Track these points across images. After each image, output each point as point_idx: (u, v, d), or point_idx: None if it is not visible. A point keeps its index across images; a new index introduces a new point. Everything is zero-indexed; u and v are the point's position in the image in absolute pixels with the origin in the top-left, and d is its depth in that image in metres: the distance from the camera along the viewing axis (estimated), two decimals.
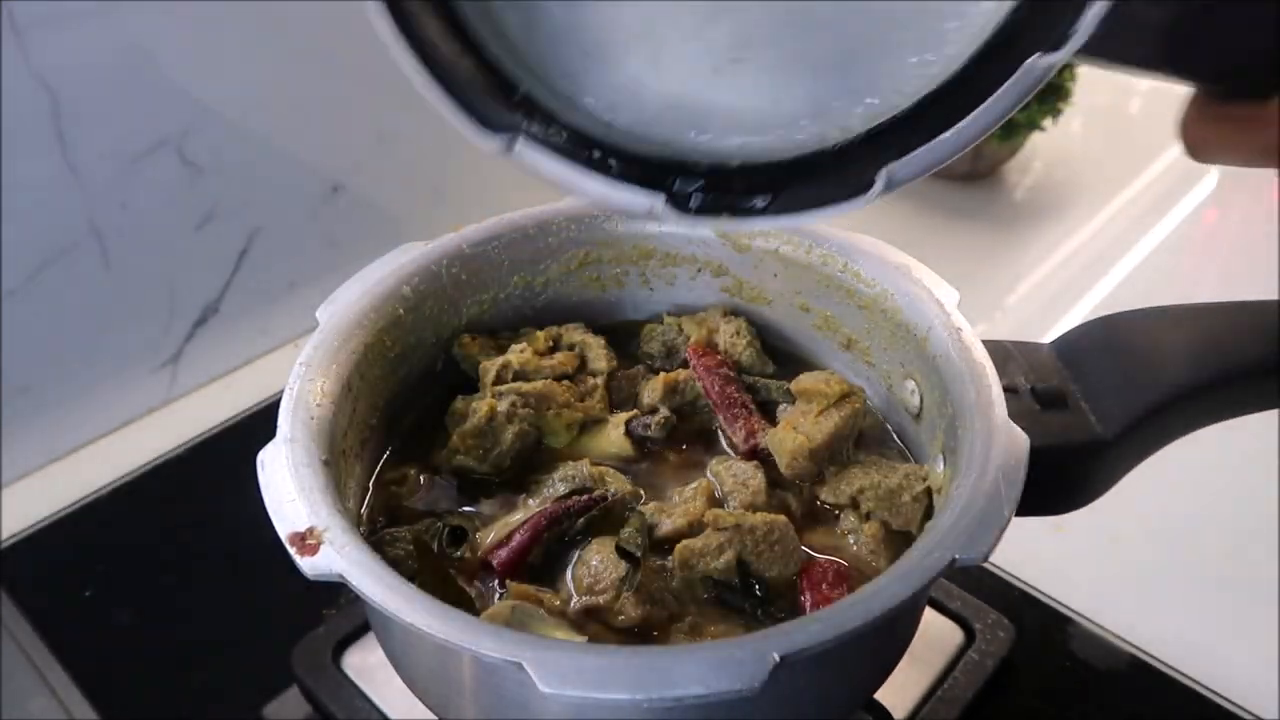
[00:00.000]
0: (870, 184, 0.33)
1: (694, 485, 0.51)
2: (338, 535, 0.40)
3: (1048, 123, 1.06)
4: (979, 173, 1.12)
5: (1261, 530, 0.72)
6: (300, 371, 0.48)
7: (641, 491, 0.51)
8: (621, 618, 0.45)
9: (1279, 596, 0.67)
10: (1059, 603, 0.67)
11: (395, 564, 0.45)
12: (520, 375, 0.55)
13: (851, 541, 0.49)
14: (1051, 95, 1.03)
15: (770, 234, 0.57)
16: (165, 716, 0.62)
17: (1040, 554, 0.67)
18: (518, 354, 0.55)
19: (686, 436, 0.55)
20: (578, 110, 0.34)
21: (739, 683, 0.35)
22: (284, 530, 0.40)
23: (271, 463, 0.43)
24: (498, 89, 0.34)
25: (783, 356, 0.58)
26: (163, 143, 0.77)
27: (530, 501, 0.51)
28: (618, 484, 0.51)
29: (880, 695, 0.51)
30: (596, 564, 0.46)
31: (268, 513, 0.41)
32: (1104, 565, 0.71)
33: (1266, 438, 0.74)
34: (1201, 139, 0.39)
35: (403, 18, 0.32)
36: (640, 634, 0.45)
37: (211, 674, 0.64)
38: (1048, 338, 0.54)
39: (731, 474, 0.51)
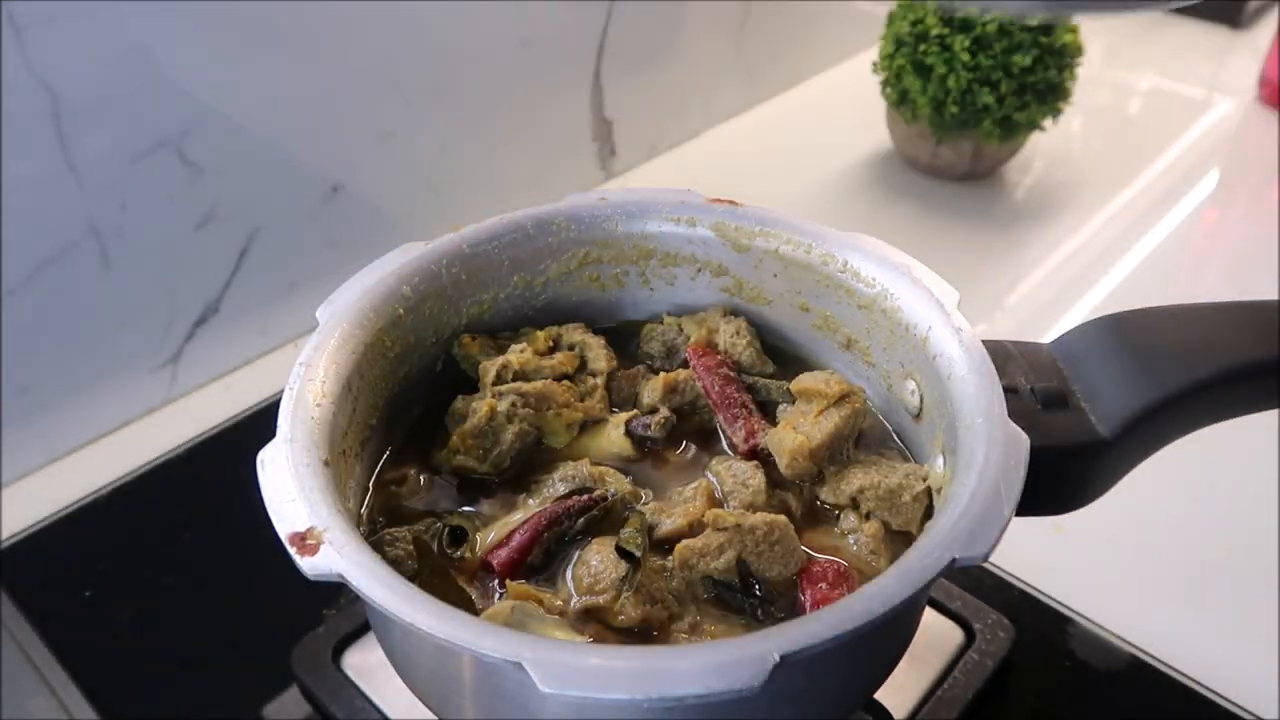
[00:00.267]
0: None
1: (694, 485, 0.51)
2: (338, 535, 0.40)
3: (1048, 123, 1.06)
4: (979, 173, 1.12)
5: (1261, 530, 0.72)
6: (300, 371, 0.47)
7: (641, 491, 0.51)
8: (621, 618, 0.45)
9: (1279, 596, 0.67)
10: (1059, 603, 0.67)
11: (395, 564, 0.45)
12: (520, 375, 0.55)
13: (851, 541, 0.49)
14: (1051, 95, 1.03)
15: (770, 234, 0.57)
16: (165, 716, 0.62)
17: (1040, 554, 0.67)
18: (518, 354, 0.55)
19: (686, 436, 0.55)
20: None
21: (739, 683, 0.35)
22: (284, 530, 0.40)
23: (271, 463, 0.43)
24: None
25: (783, 356, 0.59)
26: (163, 143, 0.77)
27: (530, 501, 0.51)
28: (618, 484, 0.51)
29: (880, 695, 0.51)
30: (596, 564, 0.46)
31: (268, 513, 0.41)
32: (1104, 565, 0.71)
33: (1266, 438, 0.75)
34: None
35: None
36: (640, 634, 0.45)
37: (211, 674, 0.64)
38: (1048, 338, 0.54)
39: (731, 474, 0.51)
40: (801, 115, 1.28)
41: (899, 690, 0.58)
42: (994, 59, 0.99)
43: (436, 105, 0.93)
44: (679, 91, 1.18)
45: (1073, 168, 1.18)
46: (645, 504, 0.50)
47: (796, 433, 0.51)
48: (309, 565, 0.39)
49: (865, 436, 0.54)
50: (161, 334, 0.83)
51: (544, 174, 1.06)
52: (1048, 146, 1.19)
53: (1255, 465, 0.76)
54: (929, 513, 0.49)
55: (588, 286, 0.60)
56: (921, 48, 1.02)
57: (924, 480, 0.49)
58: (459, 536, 0.49)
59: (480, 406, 0.52)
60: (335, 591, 0.62)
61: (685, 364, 0.57)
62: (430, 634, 0.37)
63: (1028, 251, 1.05)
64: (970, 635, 0.62)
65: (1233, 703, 0.61)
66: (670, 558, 0.47)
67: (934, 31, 1.01)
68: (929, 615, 0.62)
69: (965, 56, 0.99)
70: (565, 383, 0.55)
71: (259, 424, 0.46)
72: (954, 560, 0.39)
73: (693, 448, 0.55)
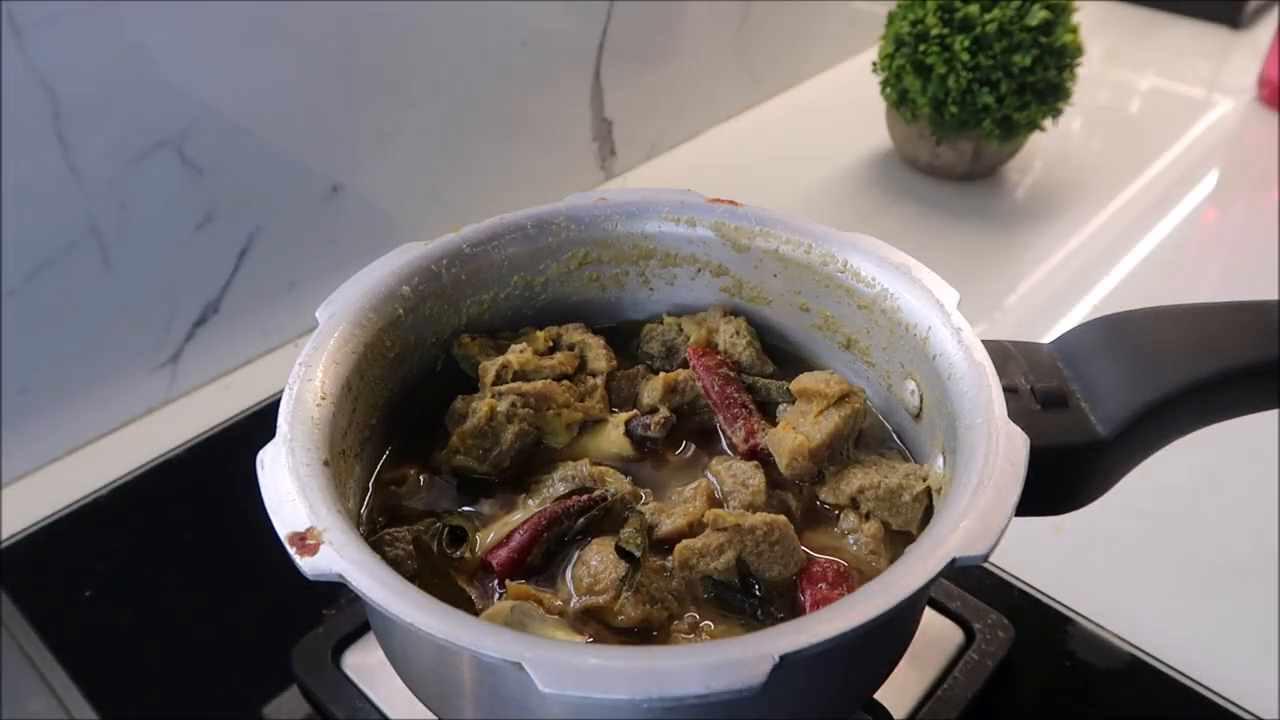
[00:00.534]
0: None
1: (694, 485, 0.51)
2: (337, 535, 0.40)
3: (1048, 123, 1.06)
4: (979, 173, 1.12)
5: (1261, 530, 0.72)
6: (300, 372, 0.47)
7: (641, 491, 0.51)
8: (621, 618, 0.45)
9: (1279, 596, 0.67)
10: (1059, 603, 0.67)
11: (395, 564, 0.45)
12: (520, 375, 0.55)
13: (851, 542, 0.49)
14: (1051, 95, 1.03)
15: (770, 233, 0.57)
16: (165, 716, 0.62)
17: (1040, 554, 0.67)
18: (517, 354, 0.55)
19: (686, 436, 0.55)
20: None
21: (739, 683, 0.35)
22: (284, 530, 0.40)
23: (271, 463, 0.43)
24: None
25: (783, 356, 0.59)
26: (163, 143, 0.77)
27: (530, 501, 0.51)
28: (618, 484, 0.51)
29: (880, 695, 0.51)
30: (596, 564, 0.46)
31: (267, 513, 0.41)
32: (1104, 565, 0.71)
33: (1266, 438, 0.74)
34: None
35: None
36: (640, 634, 0.45)
37: (211, 674, 0.64)
38: (1048, 338, 0.54)
39: (731, 474, 0.51)
40: (801, 115, 1.28)
41: (899, 690, 0.58)
42: (994, 59, 0.99)
43: (436, 105, 0.93)
44: (679, 91, 1.18)
45: (1073, 168, 1.18)
46: (645, 504, 0.51)
47: (796, 433, 0.50)
48: (309, 565, 0.39)
49: (865, 436, 0.54)
50: (161, 334, 0.83)
51: (544, 174, 1.06)
52: (1048, 146, 1.19)
53: (1255, 465, 0.76)
54: (929, 513, 0.49)
55: (588, 286, 0.60)
56: (921, 48, 1.02)
57: (924, 480, 0.49)
58: (459, 536, 0.49)
59: (480, 406, 0.52)
60: (335, 591, 0.62)
61: (685, 364, 0.57)
62: (430, 634, 0.37)
63: (1028, 251, 1.05)
64: (970, 635, 0.62)
65: (1233, 703, 0.61)
66: (670, 558, 0.47)
67: (934, 31, 1.01)
68: (929, 615, 0.62)
69: (965, 56, 0.99)
70: (565, 383, 0.55)
71: (259, 424, 0.46)
72: (954, 560, 0.39)
73: (693, 448, 0.55)
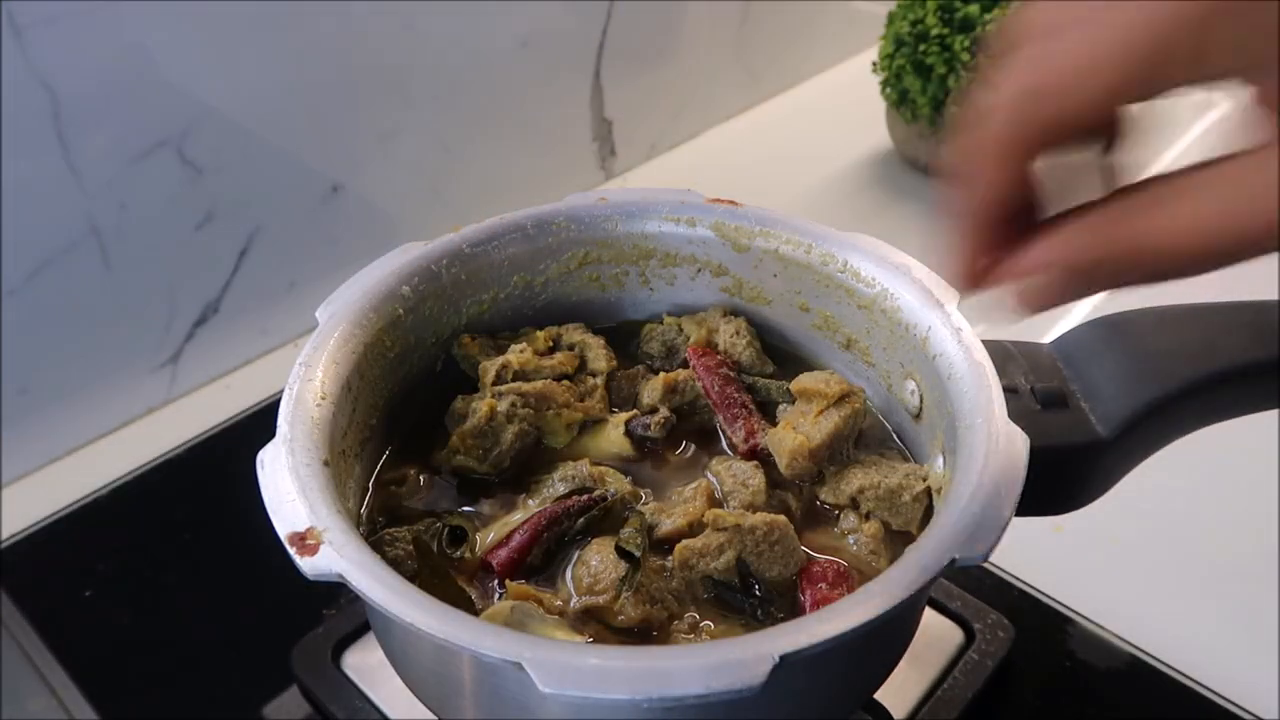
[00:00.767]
0: None
1: (694, 485, 0.51)
2: (337, 535, 0.40)
3: None
4: None
5: (1261, 531, 0.72)
6: (300, 372, 0.47)
7: (641, 491, 0.51)
8: (621, 618, 0.45)
9: (1279, 596, 0.67)
10: (1059, 603, 0.67)
11: (395, 564, 0.45)
12: (520, 375, 0.55)
13: (851, 542, 0.49)
14: None
15: (770, 234, 0.57)
16: (165, 716, 0.62)
17: (1040, 554, 0.67)
18: (517, 354, 0.55)
19: (686, 436, 0.55)
20: None
21: (739, 683, 0.35)
22: (284, 530, 0.40)
23: (271, 463, 0.43)
24: None
25: (783, 356, 0.58)
26: (163, 143, 0.77)
27: (530, 501, 0.51)
28: (618, 484, 0.51)
29: (880, 695, 0.51)
30: (596, 564, 0.46)
31: (267, 513, 0.41)
32: (1104, 565, 0.71)
33: (1266, 438, 0.74)
34: None
35: None
36: (640, 634, 0.45)
37: (211, 674, 0.64)
38: (1048, 338, 0.54)
39: (731, 474, 0.51)
40: (801, 115, 1.28)
41: (899, 690, 0.58)
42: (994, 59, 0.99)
43: (436, 105, 0.93)
44: (679, 91, 1.18)
45: (1073, 167, 1.18)
46: (645, 504, 0.50)
47: (796, 433, 0.50)
48: (309, 565, 0.39)
49: (865, 436, 0.54)
50: (161, 334, 0.83)
51: (544, 174, 1.06)
52: None
53: (1255, 465, 0.76)
54: (929, 513, 0.49)
55: (588, 286, 0.60)
56: (921, 48, 1.02)
57: (924, 480, 0.49)
58: (459, 536, 0.49)
59: (480, 406, 0.52)
60: (335, 591, 0.62)
61: (685, 364, 0.57)
62: (430, 634, 0.37)
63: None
64: (970, 635, 0.62)
65: (1233, 703, 0.61)
66: (670, 558, 0.47)
67: (934, 31, 1.01)
68: (929, 615, 0.62)
69: (965, 56, 0.99)
70: (565, 383, 0.55)
71: (259, 424, 0.46)
72: (954, 560, 0.39)
73: (693, 448, 0.55)
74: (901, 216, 1.09)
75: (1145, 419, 0.50)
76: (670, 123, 1.19)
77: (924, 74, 1.03)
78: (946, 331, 0.50)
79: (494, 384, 0.54)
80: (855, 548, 0.49)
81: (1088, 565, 0.71)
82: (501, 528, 0.49)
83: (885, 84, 1.09)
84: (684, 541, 0.47)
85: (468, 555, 0.48)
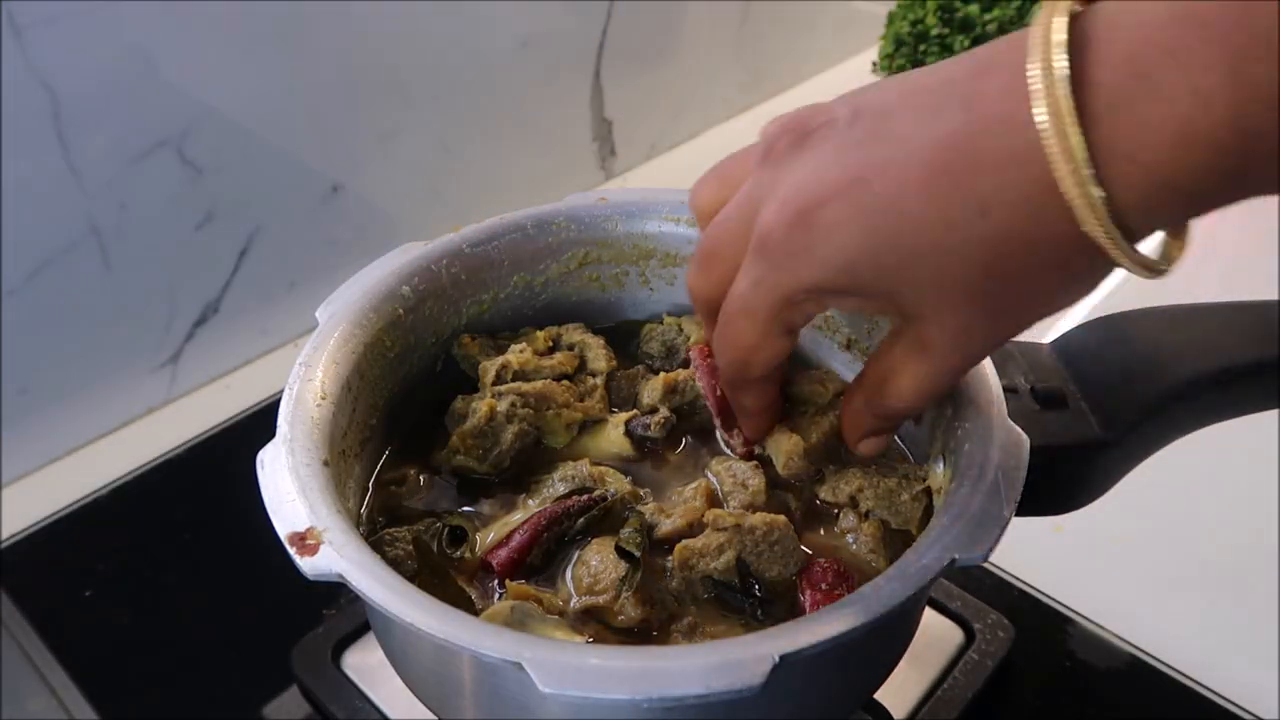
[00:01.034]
0: None
1: (694, 485, 0.51)
2: (337, 535, 0.40)
3: None
4: None
5: (1261, 530, 0.72)
6: (300, 372, 0.47)
7: (641, 491, 0.51)
8: (621, 618, 0.45)
9: (1279, 596, 0.67)
10: (1059, 603, 0.67)
11: (395, 564, 0.45)
12: (520, 375, 0.55)
13: (851, 541, 0.49)
14: None
15: None
16: (165, 716, 0.62)
17: (1040, 554, 0.67)
18: (517, 354, 0.55)
19: (686, 436, 0.55)
20: None
21: (739, 683, 0.35)
22: (284, 530, 0.40)
23: (271, 463, 0.43)
24: None
25: None
26: (163, 143, 0.77)
27: (530, 501, 0.51)
28: (618, 484, 0.51)
29: (880, 695, 0.51)
30: (596, 564, 0.46)
31: (267, 513, 0.41)
32: (1104, 565, 0.71)
33: (1266, 438, 0.74)
34: None
35: None
36: (640, 634, 0.45)
37: (211, 674, 0.64)
38: (1048, 338, 0.54)
39: (731, 474, 0.51)
40: None
41: (899, 690, 0.58)
42: None
43: (436, 105, 0.93)
44: (679, 91, 1.18)
45: None
46: (645, 504, 0.50)
47: (792, 433, 0.51)
48: (309, 565, 0.39)
49: None
50: (161, 334, 0.83)
51: (544, 174, 1.06)
52: None
53: (1255, 465, 0.76)
54: (928, 512, 0.49)
55: (588, 286, 0.60)
56: (921, 48, 1.02)
57: (923, 480, 0.49)
58: (459, 536, 0.49)
59: (480, 406, 0.52)
60: (335, 591, 0.62)
61: (685, 364, 0.57)
62: (430, 634, 0.37)
63: None
64: (970, 635, 0.62)
65: (1233, 703, 0.61)
66: (670, 558, 0.47)
67: (934, 31, 1.01)
68: (929, 615, 0.62)
69: None
70: (565, 383, 0.55)
71: (259, 424, 0.46)
72: (954, 560, 0.39)
73: (693, 448, 0.55)
74: None
75: (1145, 419, 0.50)
76: (670, 123, 1.19)
77: None
78: None
79: (494, 384, 0.54)
80: (855, 547, 0.49)
81: (1088, 565, 0.71)
82: (501, 528, 0.49)
83: None
84: (684, 541, 0.47)
85: (468, 555, 0.48)
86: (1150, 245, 0.36)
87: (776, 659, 0.36)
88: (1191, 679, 0.63)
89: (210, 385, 0.87)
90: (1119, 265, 0.35)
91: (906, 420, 0.48)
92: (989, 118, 0.34)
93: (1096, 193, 0.32)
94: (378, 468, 0.53)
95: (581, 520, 0.49)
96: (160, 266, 0.81)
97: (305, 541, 0.40)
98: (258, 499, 0.42)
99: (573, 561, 0.48)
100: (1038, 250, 0.34)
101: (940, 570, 0.39)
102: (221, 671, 0.65)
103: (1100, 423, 0.49)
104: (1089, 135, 0.32)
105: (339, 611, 0.63)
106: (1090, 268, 0.36)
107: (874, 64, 1.09)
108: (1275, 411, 0.53)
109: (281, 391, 0.46)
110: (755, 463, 0.52)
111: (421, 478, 0.52)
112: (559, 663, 0.36)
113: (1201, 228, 0.38)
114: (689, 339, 0.58)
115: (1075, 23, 0.33)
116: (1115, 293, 0.97)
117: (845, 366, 0.57)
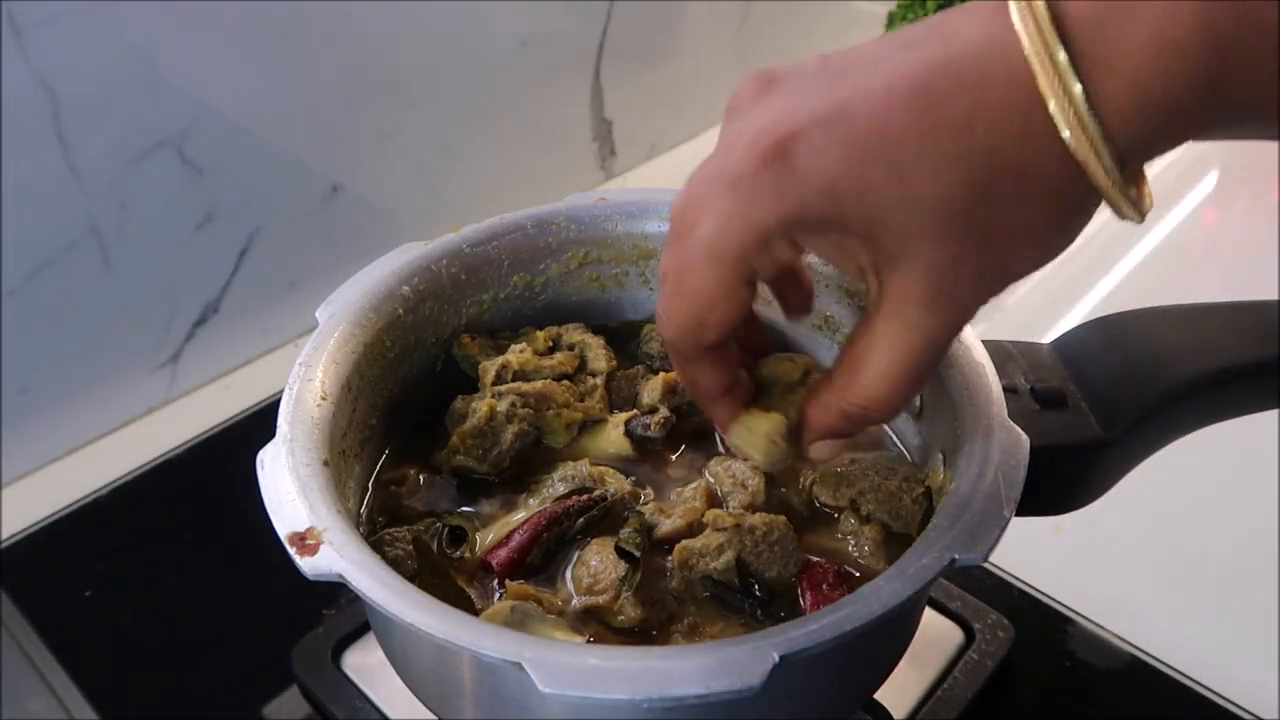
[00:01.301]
0: None
1: (694, 485, 0.51)
2: (337, 535, 0.40)
3: None
4: None
5: (1261, 531, 0.72)
6: (300, 372, 0.48)
7: (641, 492, 0.51)
8: (621, 618, 0.45)
9: (1279, 596, 0.67)
10: (1059, 603, 0.67)
11: (395, 564, 0.45)
12: (520, 375, 0.55)
13: (851, 543, 0.49)
14: None
15: None
16: (165, 716, 0.62)
17: (1040, 554, 0.67)
18: (517, 354, 0.55)
19: (686, 436, 0.55)
20: None
21: (739, 683, 0.35)
22: (283, 530, 0.40)
23: (271, 463, 0.43)
24: None
25: None
26: (163, 143, 0.77)
27: (530, 501, 0.51)
28: (618, 484, 0.51)
29: (880, 695, 0.51)
30: (596, 564, 0.46)
31: (267, 513, 0.41)
32: (1104, 565, 0.71)
33: (1266, 438, 0.74)
34: None
35: None
36: (640, 634, 0.45)
37: (211, 674, 0.64)
38: (1048, 338, 0.54)
39: (731, 474, 0.51)
40: None
41: (899, 690, 0.58)
42: None
43: (436, 105, 0.93)
44: (679, 91, 1.18)
45: None
46: (645, 504, 0.50)
47: (768, 411, 0.48)
48: (309, 565, 0.39)
49: (865, 437, 0.54)
50: (161, 334, 0.83)
51: (544, 174, 1.06)
52: None
53: (1255, 465, 0.76)
54: (928, 514, 0.49)
55: (588, 286, 0.60)
56: None
57: (924, 482, 0.49)
58: (459, 536, 0.49)
59: (480, 406, 0.52)
60: (335, 591, 0.62)
61: None
62: (430, 634, 0.37)
63: None
64: (970, 635, 0.62)
65: (1233, 703, 0.61)
66: (670, 558, 0.47)
67: None
68: (929, 615, 0.62)
69: None
70: (565, 383, 0.55)
71: (259, 424, 0.46)
72: (954, 560, 0.39)
73: (692, 448, 0.54)
74: None
75: (1145, 419, 0.50)
76: (670, 123, 1.19)
77: None
78: None
79: (494, 384, 0.54)
80: (855, 550, 0.49)
81: (1088, 565, 0.71)
82: (501, 528, 0.49)
83: None
84: (684, 542, 0.47)
85: (468, 555, 0.48)
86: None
87: (776, 659, 0.36)
88: (1191, 679, 0.63)
89: (210, 385, 0.87)
90: (1103, 193, 0.34)
91: (870, 425, 0.44)
92: (970, 46, 0.34)
93: (1080, 98, 0.32)
94: (378, 468, 0.53)
95: (581, 520, 0.49)
96: (160, 266, 0.81)
97: (305, 541, 0.40)
98: (258, 499, 0.42)
99: (573, 561, 0.48)
100: (1025, 173, 0.34)
101: (940, 570, 0.39)
102: (221, 671, 0.65)
103: (1100, 423, 0.49)
104: (1070, 50, 0.32)
105: (339, 611, 0.63)
106: (1078, 199, 0.35)
107: None
108: (1275, 411, 0.53)
109: (281, 391, 0.46)
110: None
111: (421, 478, 0.52)
112: (559, 663, 0.36)
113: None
114: None
115: None
116: (1115, 293, 0.98)
117: None
